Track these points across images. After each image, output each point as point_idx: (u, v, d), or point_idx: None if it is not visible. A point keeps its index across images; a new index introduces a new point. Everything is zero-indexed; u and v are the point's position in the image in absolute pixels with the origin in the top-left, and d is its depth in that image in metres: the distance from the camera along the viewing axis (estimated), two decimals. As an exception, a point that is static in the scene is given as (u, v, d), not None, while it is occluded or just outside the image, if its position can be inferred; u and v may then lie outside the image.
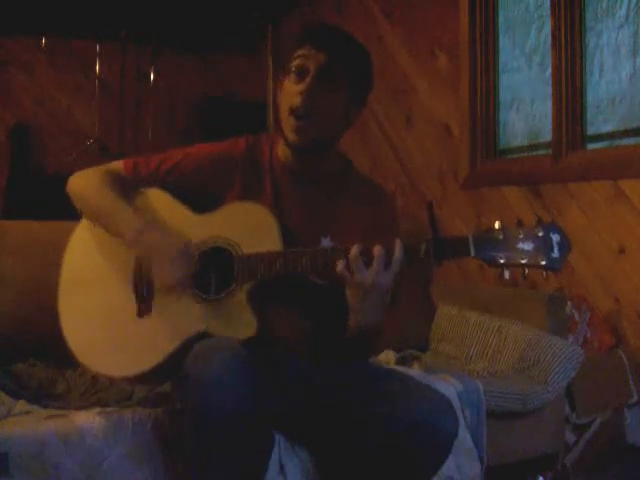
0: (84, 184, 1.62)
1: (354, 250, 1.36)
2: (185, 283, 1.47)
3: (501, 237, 1.32)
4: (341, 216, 1.58)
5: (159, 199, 1.60)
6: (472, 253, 1.32)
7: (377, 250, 1.36)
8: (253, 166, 1.60)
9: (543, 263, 1.29)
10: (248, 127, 1.84)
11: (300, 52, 1.50)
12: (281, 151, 1.60)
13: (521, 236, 1.31)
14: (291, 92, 1.50)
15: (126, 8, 3.95)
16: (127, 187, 1.61)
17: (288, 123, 1.50)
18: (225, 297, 1.47)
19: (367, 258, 1.36)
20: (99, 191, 1.58)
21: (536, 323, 2.27)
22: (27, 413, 1.57)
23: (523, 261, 1.30)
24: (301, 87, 1.48)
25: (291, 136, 1.51)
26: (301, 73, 1.49)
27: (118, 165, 1.64)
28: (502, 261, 1.31)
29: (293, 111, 1.48)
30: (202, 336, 1.43)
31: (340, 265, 1.37)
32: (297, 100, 1.48)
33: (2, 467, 1.37)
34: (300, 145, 1.52)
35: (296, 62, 1.50)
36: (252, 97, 4.29)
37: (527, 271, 1.31)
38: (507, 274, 1.32)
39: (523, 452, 2.15)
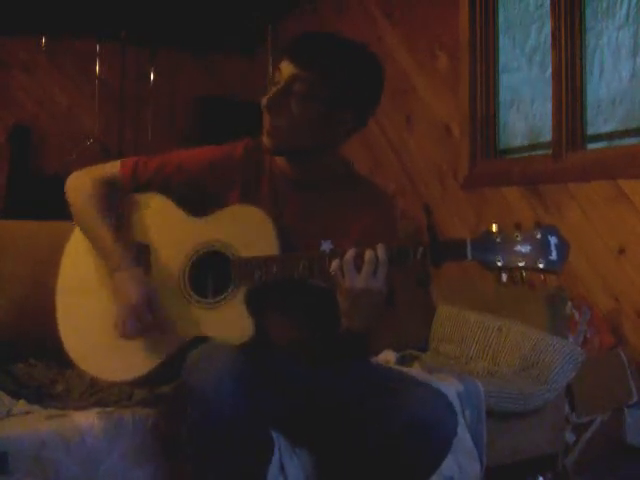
0: (78, 194, 1.61)
1: (348, 254, 1.36)
2: (135, 335, 1.48)
3: (499, 240, 1.31)
4: (341, 219, 1.57)
5: (157, 203, 1.60)
6: (469, 256, 1.32)
7: (368, 254, 1.35)
8: (252, 170, 1.60)
9: (541, 266, 1.28)
10: (248, 128, 1.84)
11: (278, 66, 1.51)
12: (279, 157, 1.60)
13: (519, 239, 1.30)
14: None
15: (126, 8, 3.95)
16: (123, 194, 1.61)
17: (264, 129, 1.53)
18: (222, 301, 1.47)
19: (359, 262, 1.36)
20: (90, 208, 1.58)
21: (536, 323, 2.27)
22: (27, 413, 1.57)
23: (521, 264, 1.29)
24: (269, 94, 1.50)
25: (265, 141, 1.53)
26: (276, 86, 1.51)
27: (115, 169, 1.63)
28: (500, 264, 1.30)
29: (265, 127, 1.52)
30: (199, 340, 1.43)
31: (334, 264, 1.37)
32: (264, 102, 1.50)
33: (2, 467, 1.37)
34: (272, 150, 1.54)
35: (272, 76, 1.53)
36: (252, 97, 4.26)
37: (525, 274, 1.31)
38: (505, 277, 1.31)
39: (523, 452, 2.15)
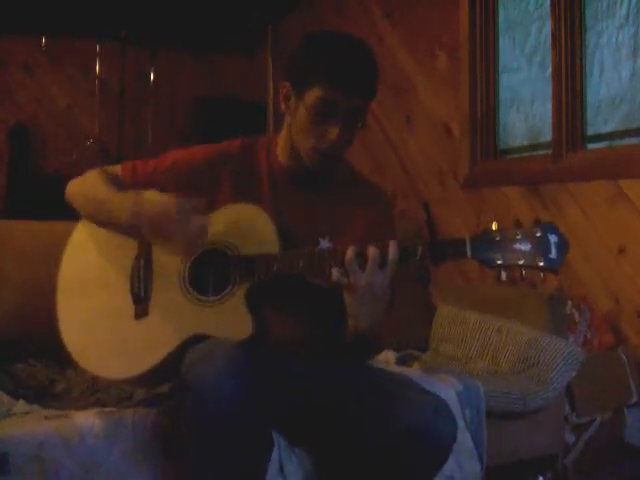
0: (80, 183, 1.62)
1: (349, 253, 1.36)
2: (200, 237, 1.43)
3: (498, 238, 1.31)
4: (339, 216, 1.58)
5: None
6: (469, 254, 1.32)
7: (371, 251, 1.35)
8: (247, 168, 1.60)
9: (541, 264, 1.28)
10: (248, 127, 1.84)
11: (325, 94, 1.45)
12: (284, 156, 1.59)
13: (519, 237, 1.30)
14: (313, 131, 1.48)
15: (126, 8, 3.95)
16: (123, 187, 1.61)
17: (310, 155, 1.51)
18: (222, 299, 1.46)
19: (362, 260, 1.36)
20: (94, 184, 1.58)
21: (536, 323, 2.27)
22: (27, 413, 1.57)
23: (520, 262, 1.29)
24: (330, 135, 1.46)
25: (312, 163, 1.52)
26: (326, 114, 1.46)
27: (115, 168, 1.65)
28: (499, 262, 1.30)
29: (320, 151, 1.49)
30: (199, 338, 1.43)
31: (335, 272, 1.37)
32: (324, 145, 1.48)
33: (2, 467, 1.37)
34: (320, 170, 1.54)
35: (319, 103, 1.46)
36: (252, 97, 4.30)
37: (525, 272, 1.31)
38: (504, 275, 1.31)
39: (523, 452, 2.15)
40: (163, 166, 1.61)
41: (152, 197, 1.44)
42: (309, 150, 1.50)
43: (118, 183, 1.60)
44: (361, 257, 1.36)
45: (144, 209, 1.43)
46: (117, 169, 1.65)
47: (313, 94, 1.46)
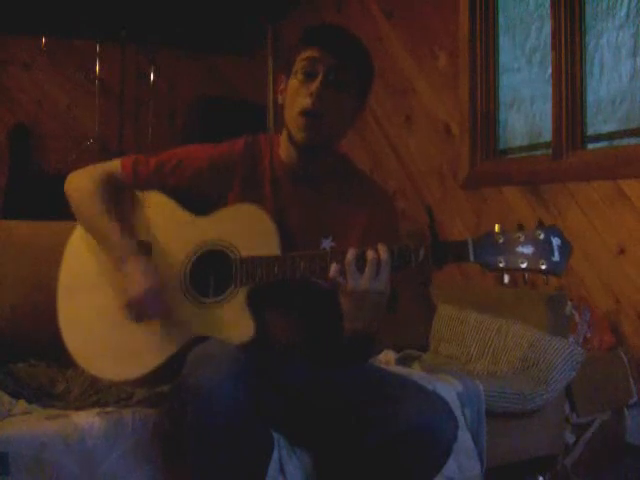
0: (79, 191, 1.60)
1: (349, 256, 1.35)
2: (150, 319, 1.48)
3: (501, 241, 1.30)
4: (341, 216, 1.57)
5: (158, 202, 1.60)
6: (471, 258, 1.31)
7: (370, 255, 1.34)
8: (252, 167, 1.59)
9: (543, 267, 1.28)
10: (248, 127, 1.84)
11: (307, 54, 1.50)
12: (283, 151, 1.59)
13: (521, 239, 1.29)
14: (300, 93, 1.50)
15: (126, 8, 3.95)
16: (124, 192, 1.61)
17: (297, 123, 1.50)
18: (223, 300, 1.46)
19: (361, 263, 1.35)
20: (92, 204, 1.57)
21: (536, 323, 2.27)
22: (27, 413, 1.57)
23: (523, 265, 1.29)
24: (311, 89, 1.48)
25: (300, 136, 1.51)
26: (310, 75, 1.49)
27: (116, 166, 1.62)
28: (502, 265, 1.29)
29: (303, 112, 1.48)
30: (200, 340, 1.43)
31: (333, 270, 1.36)
32: (307, 101, 1.48)
33: (2, 467, 1.36)
34: (309, 144, 1.51)
35: (304, 64, 1.50)
36: (252, 97, 4.30)
37: (527, 275, 1.30)
38: (507, 278, 1.31)
39: (523, 452, 2.15)
40: (166, 166, 1.60)
41: (135, 267, 1.49)
42: (297, 117, 1.50)
43: (118, 186, 1.60)
44: (361, 260, 1.35)
45: (127, 268, 1.49)
46: (117, 167, 1.62)
47: (299, 60, 1.51)
